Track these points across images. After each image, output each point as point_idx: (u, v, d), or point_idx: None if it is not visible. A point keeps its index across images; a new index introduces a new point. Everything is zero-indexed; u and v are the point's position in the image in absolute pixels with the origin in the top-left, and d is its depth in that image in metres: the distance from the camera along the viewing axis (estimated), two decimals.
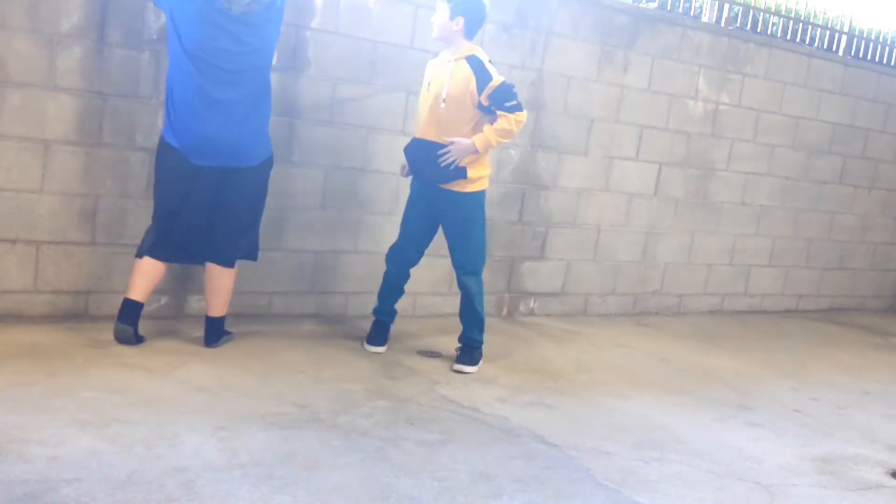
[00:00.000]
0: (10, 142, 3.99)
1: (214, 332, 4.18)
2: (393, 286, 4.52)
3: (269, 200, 4.62)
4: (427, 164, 4.26)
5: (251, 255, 4.26)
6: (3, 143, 3.98)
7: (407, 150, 4.38)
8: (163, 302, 4.47)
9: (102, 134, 4.18)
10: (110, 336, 4.00)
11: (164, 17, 4.16)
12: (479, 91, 4.11)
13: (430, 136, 4.24)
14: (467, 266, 4.36)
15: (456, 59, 4.19)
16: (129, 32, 4.16)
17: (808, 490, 3.36)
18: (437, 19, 4.21)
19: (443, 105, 4.19)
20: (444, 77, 4.20)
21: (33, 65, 3.98)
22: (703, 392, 4.54)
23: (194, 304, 4.55)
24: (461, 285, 4.40)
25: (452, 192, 4.25)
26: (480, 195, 4.32)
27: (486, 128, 4.14)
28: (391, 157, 5.03)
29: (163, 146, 3.95)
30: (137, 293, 3.99)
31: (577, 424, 3.76)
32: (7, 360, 3.57)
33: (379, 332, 4.52)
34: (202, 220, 4.03)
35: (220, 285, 4.12)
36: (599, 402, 4.13)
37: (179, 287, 4.51)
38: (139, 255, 4.02)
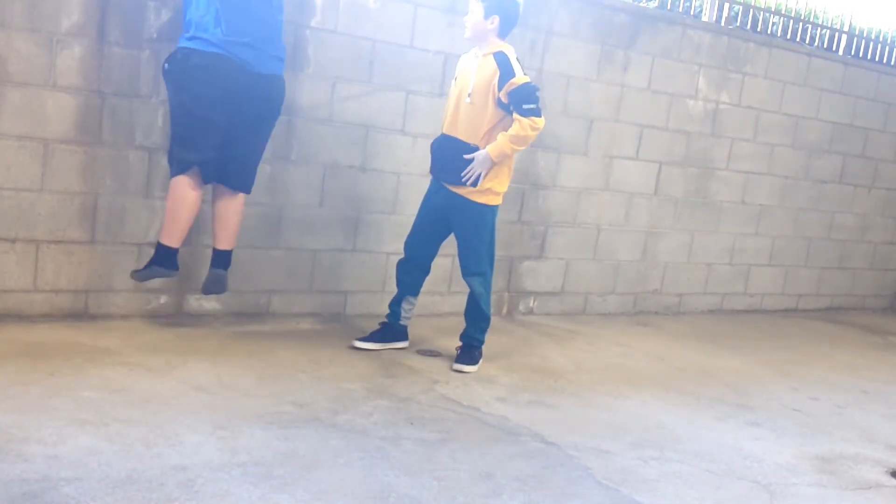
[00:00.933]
0: (9, 140, 3.99)
1: (222, 261, 4.22)
2: (399, 281, 4.49)
3: (268, 199, 4.65)
4: (445, 160, 4.25)
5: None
6: (2, 141, 3.98)
7: (433, 143, 4.39)
8: (162, 301, 4.47)
9: (102, 133, 4.18)
10: (110, 335, 4.00)
11: (164, 17, 4.16)
12: (500, 87, 4.08)
13: (454, 133, 4.22)
14: (472, 267, 4.35)
15: (484, 55, 4.17)
16: (128, 31, 4.16)
17: (807, 489, 3.36)
18: (470, 19, 4.18)
19: (468, 100, 4.16)
20: (471, 72, 4.19)
21: (33, 64, 3.98)
22: (702, 391, 4.54)
23: (194, 303, 4.55)
24: (467, 284, 4.40)
25: (460, 196, 4.23)
26: (489, 209, 4.27)
27: (501, 135, 4.10)
28: (390, 156, 5.03)
29: (183, 54, 3.88)
30: (178, 238, 4.05)
31: (577, 423, 3.76)
32: (7, 360, 3.56)
33: (377, 330, 4.51)
34: (224, 123, 4.01)
35: (228, 212, 4.15)
36: (599, 401, 4.14)
37: (179, 286, 4.50)
38: (175, 174, 3.98)
